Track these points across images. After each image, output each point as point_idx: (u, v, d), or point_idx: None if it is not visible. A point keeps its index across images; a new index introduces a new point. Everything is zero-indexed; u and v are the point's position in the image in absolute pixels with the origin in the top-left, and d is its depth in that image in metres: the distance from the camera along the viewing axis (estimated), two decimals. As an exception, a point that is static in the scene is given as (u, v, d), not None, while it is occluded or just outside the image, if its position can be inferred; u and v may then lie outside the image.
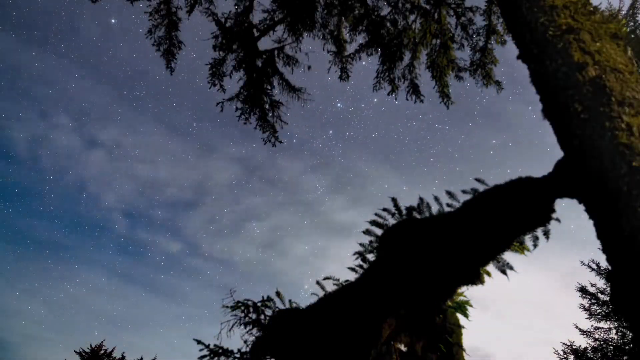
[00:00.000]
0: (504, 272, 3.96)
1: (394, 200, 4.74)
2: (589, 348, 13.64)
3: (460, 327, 4.61)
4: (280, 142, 7.19)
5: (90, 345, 18.34)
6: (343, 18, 6.62)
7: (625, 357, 13.00)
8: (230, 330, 3.58)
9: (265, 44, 6.93)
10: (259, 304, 3.67)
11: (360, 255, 4.71)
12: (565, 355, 13.99)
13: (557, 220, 2.80)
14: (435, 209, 4.36)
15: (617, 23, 2.31)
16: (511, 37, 2.89)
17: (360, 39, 6.97)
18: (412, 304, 3.15)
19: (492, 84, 7.15)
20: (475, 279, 3.11)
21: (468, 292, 4.76)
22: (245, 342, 3.48)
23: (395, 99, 7.35)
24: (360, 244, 4.76)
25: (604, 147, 1.76)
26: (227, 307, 3.67)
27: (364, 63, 7.11)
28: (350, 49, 7.06)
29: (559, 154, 2.36)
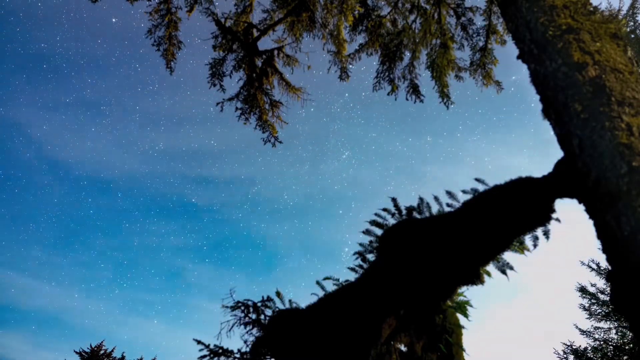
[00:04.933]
0: (504, 272, 3.96)
1: (394, 200, 4.74)
2: (589, 348, 13.65)
3: (460, 327, 4.61)
4: (280, 142, 7.19)
5: (90, 345, 18.35)
6: (343, 18, 6.62)
7: (625, 357, 13.00)
8: (230, 330, 3.58)
9: (265, 44, 6.94)
10: (259, 304, 3.67)
11: (360, 255, 4.71)
12: (565, 355, 14.00)
13: (557, 220, 2.80)
14: (435, 209, 4.36)
15: (617, 23, 2.31)
16: (511, 37, 2.89)
17: (360, 39, 6.97)
18: (412, 304, 3.15)
19: (491, 84, 7.15)
20: (475, 279, 3.11)
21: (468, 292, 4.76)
22: (245, 342, 3.48)
23: (395, 99, 7.35)
24: (360, 244, 4.76)
25: (604, 147, 1.76)
26: (227, 307, 3.67)
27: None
28: (350, 49, 7.06)
29: (559, 153, 2.36)
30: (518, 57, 2.72)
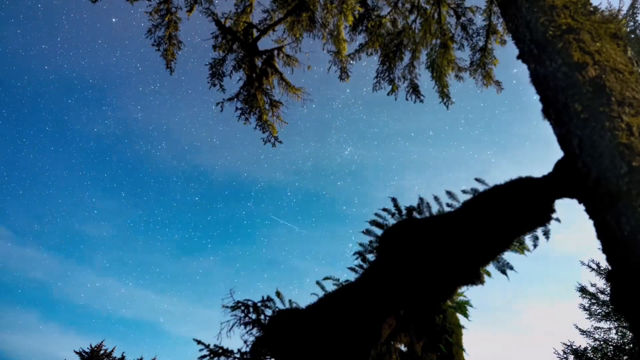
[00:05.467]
0: (504, 272, 3.95)
1: (394, 200, 4.74)
2: (589, 348, 13.65)
3: (460, 327, 4.61)
4: (280, 142, 7.18)
5: (90, 345, 18.37)
6: (343, 18, 6.62)
7: (625, 357, 13.00)
8: (230, 330, 3.58)
9: (266, 44, 6.94)
10: (259, 304, 3.67)
11: (360, 255, 4.71)
12: (565, 355, 14.00)
13: (557, 220, 2.80)
14: (435, 209, 4.36)
15: (617, 23, 2.31)
16: (511, 37, 2.89)
17: (360, 39, 6.97)
18: (412, 304, 3.15)
19: (491, 84, 7.15)
20: (475, 279, 3.11)
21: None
22: (245, 342, 3.48)
23: (395, 99, 7.35)
24: (360, 244, 4.76)
25: (604, 147, 1.76)
26: (227, 307, 3.67)
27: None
28: (350, 49, 7.06)
29: (559, 153, 2.36)
30: (518, 57, 2.72)
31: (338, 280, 4.48)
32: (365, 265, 4.60)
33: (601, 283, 14.23)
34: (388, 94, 7.32)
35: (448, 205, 4.06)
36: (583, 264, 14.27)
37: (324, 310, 3.15)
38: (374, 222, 4.74)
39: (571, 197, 2.39)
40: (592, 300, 14.20)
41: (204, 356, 3.57)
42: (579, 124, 1.95)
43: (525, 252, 3.89)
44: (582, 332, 14.10)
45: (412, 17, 6.79)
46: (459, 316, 4.68)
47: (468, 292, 4.76)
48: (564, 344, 14.11)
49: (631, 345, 12.96)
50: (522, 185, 2.68)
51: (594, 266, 14.08)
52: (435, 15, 6.66)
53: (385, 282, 3.00)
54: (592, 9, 2.43)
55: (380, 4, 6.76)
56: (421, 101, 7.27)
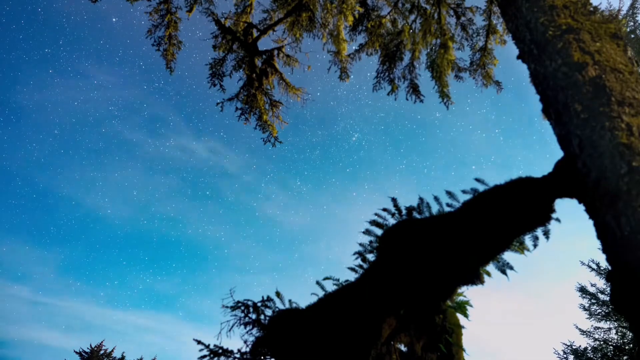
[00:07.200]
0: (504, 272, 3.95)
1: (393, 200, 4.74)
2: (589, 348, 13.65)
3: (460, 327, 4.61)
4: (280, 142, 7.18)
5: (90, 345, 18.38)
6: (343, 18, 6.62)
7: (625, 357, 13.00)
8: (230, 330, 3.57)
9: (266, 44, 6.95)
10: (259, 304, 3.67)
11: (360, 255, 4.71)
12: (565, 355, 14.00)
13: (557, 220, 2.80)
14: (435, 209, 4.35)
15: (617, 23, 2.31)
16: (511, 37, 2.89)
17: (360, 39, 6.98)
18: (412, 304, 3.15)
19: (491, 84, 7.15)
20: (475, 279, 3.11)
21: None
22: (245, 342, 3.48)
23: (395, 99, 7.35)
24: (360, 244, 4.76)
25: (603, 147, 1.75)
26: (227, 307, 3.67)
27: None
28: (350, 49, 7.06)
29: (559, 153, 2.36)
30: (518, 57, 2.73)
31: (338, 280, 4.48)
32: (365, 265, 4.60)
33: (601, 283, 14.24)
34: (388, 94, 7.32)
35: (448, 205, 4.06)
36: (583, 263, 14.28)
37: (324, 310, 3.15)
38: (373, 222, 4.74)
39: (571, 197, 2.39)
40: (592, 300, 14.20)
41: (204, 356, 3.57)
42: (579, 124, 1.95)
43: (525, 252, 3.89)
44: (582, 332, 14.11)
45: (412, 17, 6.80)
46: (459, 316, 4.68)
47: (468, 292, 4.76)
48: (564, 344, 14.12)
49: (631, 345, 12.96)
50: (522, 185, 2.68)
51: (594, 266, 14.09)
52: (435, 15, 6.66)
53: (385, 282, 3.00)
54: (592, 9, 2.43)
55: (380, 4, 6.76)
56: (421, 101, 7.27)
